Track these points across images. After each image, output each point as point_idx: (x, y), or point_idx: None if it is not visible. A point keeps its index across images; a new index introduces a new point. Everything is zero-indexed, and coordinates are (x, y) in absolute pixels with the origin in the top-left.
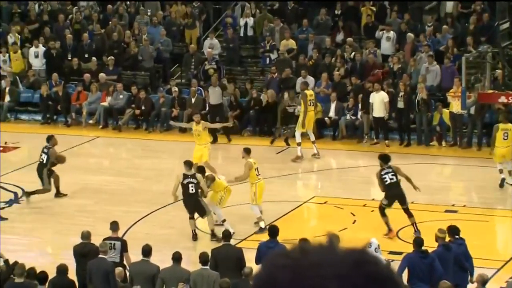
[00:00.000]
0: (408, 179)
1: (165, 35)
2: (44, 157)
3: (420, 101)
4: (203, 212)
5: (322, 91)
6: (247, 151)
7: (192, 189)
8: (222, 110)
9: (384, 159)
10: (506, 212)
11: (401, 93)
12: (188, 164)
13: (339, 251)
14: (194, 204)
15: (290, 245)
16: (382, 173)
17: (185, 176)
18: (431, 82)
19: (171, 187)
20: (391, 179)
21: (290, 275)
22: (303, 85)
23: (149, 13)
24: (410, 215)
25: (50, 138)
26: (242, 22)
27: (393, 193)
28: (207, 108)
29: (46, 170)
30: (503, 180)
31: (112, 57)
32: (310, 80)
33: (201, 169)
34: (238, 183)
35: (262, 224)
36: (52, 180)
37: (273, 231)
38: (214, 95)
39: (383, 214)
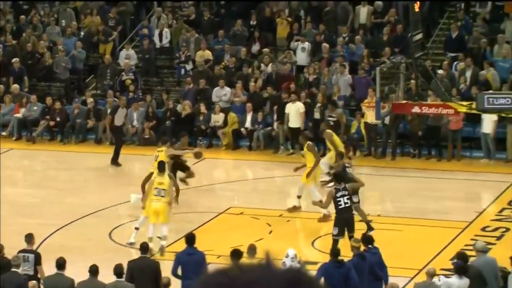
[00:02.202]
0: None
1: (80, 46)
2: None
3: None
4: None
5: (238, 101)
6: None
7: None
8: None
9: (339, 178)
10: (419, 221)
11: (318, 104)
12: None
13: (275, 269)
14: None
15: (228, 263)
16: (338, 195)
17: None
18: (343, 92)
19: (87, 199)
20: (345, 203)
21: None
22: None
23: (63, 24)
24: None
25: None
26: (157, 32)
27: (344, 217)
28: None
29: None
30: None
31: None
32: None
33: None
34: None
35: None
36: None
37: (190, 238)
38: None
39: (335, 250)
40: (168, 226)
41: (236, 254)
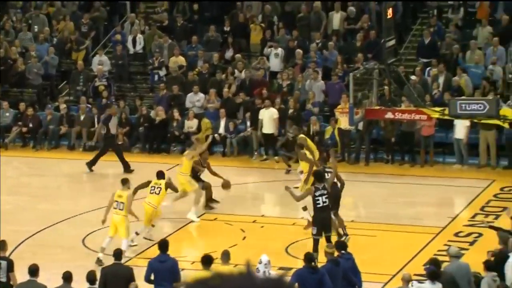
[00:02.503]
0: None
1: (53, 52)
2: None
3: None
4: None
5: (212, 107)
6: None
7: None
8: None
9: (319, 177)
10: (393, 227)
11: (291, 110)
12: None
13: (256, 278)
14: None
15: (210, 273)
16: (316, 194)
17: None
18: (317, 98)
19: (59, 205)
20: (324, 202)
21: None
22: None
23: (36, 30)
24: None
25: None
26: (131, 38)
27: (322, 217)
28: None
29: None
30: None
31: None
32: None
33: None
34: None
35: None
36: None
37: (163, 245)
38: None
39: (315, 250)
40: (126, 240)
41: (207, 260)
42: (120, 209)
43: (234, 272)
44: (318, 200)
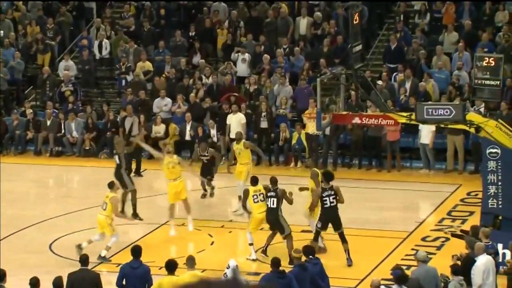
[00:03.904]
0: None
1: (19, 57)
2: None
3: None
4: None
5: (179, 112)
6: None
7: None
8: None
9: (328, 177)
10: (360, 232)
11: (264, 113)
12: None
13: (241, 285)
14: None
15: (195, 279)
16: (324, 194)
17: None
18: (285, 103)
19: (26, 211)
20: (331, 202)
21: None
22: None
23: (1, 35)
24: (344, 241)
25: None
26: (97, 43)
27: (329, 216)
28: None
29: None
30: None
31: None
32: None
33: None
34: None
35: (252, 255)
36: None
37: (136, 251)
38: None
39: (316, 239)
40: (115, 237)
41: (171, 265)
42: (103, 209)
43: (220, 279)
44: (325, 200)
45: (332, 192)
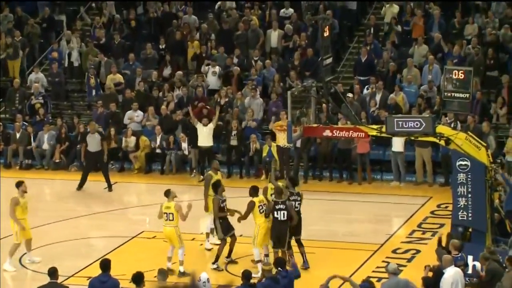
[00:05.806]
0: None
1: None
2: None
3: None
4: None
5: (150, 124)
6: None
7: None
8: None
9: (294, 181)
10: (331, 244)
11: (234, 132)
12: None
13: None
14: None
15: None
16: (291, 198)
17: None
18: (256, 116)
19: None
20: (296, 207)
21: None
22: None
23: None
24: (300, 245)
25: None
26: (67, 56)
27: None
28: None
29: None
30: None
31: None
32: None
33: None
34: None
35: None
36: None
37: (105, 265)
38: (93, 143)
39: (289, 247)
40: (182, 249)
41: (138, 278)
42: (170, 220)
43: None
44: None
45: (298, 198)
